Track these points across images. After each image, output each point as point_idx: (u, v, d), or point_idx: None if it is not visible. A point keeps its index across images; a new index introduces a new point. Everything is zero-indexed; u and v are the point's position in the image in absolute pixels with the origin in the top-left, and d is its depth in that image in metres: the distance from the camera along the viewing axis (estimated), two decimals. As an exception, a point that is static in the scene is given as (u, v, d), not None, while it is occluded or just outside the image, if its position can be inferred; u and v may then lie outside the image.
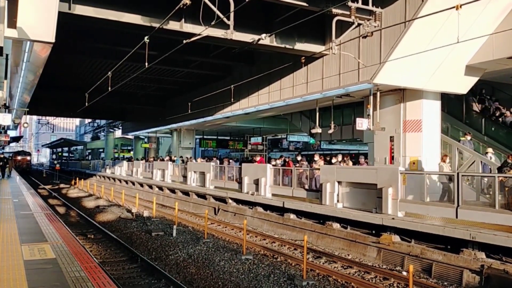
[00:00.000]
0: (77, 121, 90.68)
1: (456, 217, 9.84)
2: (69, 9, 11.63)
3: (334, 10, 12.08)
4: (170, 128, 33.31)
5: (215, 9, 10.87)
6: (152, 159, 33.30)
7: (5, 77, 13.22)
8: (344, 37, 12.50)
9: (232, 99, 19.66)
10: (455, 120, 16.48)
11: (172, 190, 23.80)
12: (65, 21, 11.71)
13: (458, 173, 10.14)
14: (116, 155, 52.26)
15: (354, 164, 15.50)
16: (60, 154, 74.20)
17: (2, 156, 31.58)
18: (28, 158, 58.91)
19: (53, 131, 79.68)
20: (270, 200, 15.60)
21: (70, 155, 73.89)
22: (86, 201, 24.96)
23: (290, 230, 13.98)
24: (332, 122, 16.57)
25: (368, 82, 13.33)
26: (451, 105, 16.52)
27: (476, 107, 16.10)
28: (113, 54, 19.14)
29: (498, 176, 9.69)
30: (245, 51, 17.84)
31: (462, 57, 13.27)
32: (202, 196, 20.37)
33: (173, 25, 13.12)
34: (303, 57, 13.64)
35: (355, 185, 12.91)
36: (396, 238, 10.66)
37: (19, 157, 56.20)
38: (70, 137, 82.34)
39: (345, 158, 15.41)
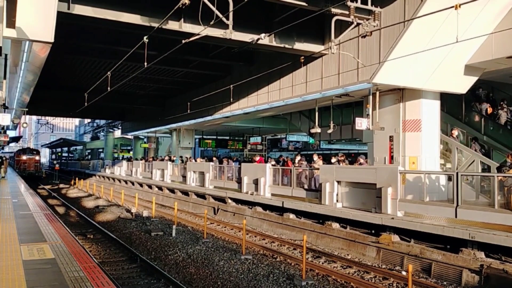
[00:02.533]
0: (76, 121, 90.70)
1: (456, 216, 9.84)
2: (68, 9, 11.59)
3: (333, 10, 12.08)
4: (169, 128, 33.29)
5: (214, 8, 10.86)
6: (151, 159, 33.30)
7: (4, 77, 13.21)
8: (343, 36, 12.50)
9: (231, 99, 19.65)
10: (455, 120, 16.48)
11: (172, 190, 23.79)
12: (64, 21, 11.71)
13: (457, 173, 10.15)
14: (116, 155, 52.24)
15: (351, 163, 15.51)
16: (59, 154, 74.21)
17: None
18: (37, 158, 44.18)
19: (52, 131, 79.75)
20: (269, 200, 15.60)
21: (70, 155, 73.83)
22: (86, 201, 24.96)
23: (289, 230, 13.98)
24: (332, 122, 16.55)
25: (367, 81, 13.32)
26: (451, 104, 16.53)
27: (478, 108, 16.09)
28: (112, 54, 19.12)
29: (497, 176, 9.69)
30: (244, 51, 17.83)
31: (461, 57, 13.27)
32: (202, 196, 20.37)
33: (172, 25, 13.11)
34: (302, 57, 13.64)
35: (354, 184, 12.91)
36: (395, 237, 10.66)
37: (24, 157, 42.81)
38: (70, 137, 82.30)
39: (339, 158, 15.37)
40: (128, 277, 9.58)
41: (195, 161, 25.72)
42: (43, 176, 44.89)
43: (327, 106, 18.32)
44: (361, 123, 14.35)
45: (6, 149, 73.76)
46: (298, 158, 17.10)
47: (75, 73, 25.39)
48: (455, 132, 14.66)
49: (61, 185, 38.74)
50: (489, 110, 15.64)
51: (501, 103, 15.47)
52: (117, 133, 53.25)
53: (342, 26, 12.52)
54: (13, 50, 11.59)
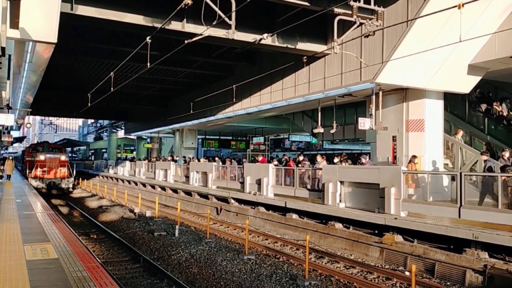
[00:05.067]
0: (80, 121, 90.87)
1: (459, 216, 9.81)
2: (71, 9, 11.65)
3: (336, 10, 12.07)
4: (172, 128, 33.36)
5: (216, 9, 10.88)
6: (154, 159, 33.35)
7: (8, 78, 13.26)
8: (346, 36, 12.49)
9: (234, 99, 19.67)
10: (458, 120, 16.44)
11: (175, 190, 23.82)
12: (67, 21, 11.74)
13: (461, 173, 10.11)
14: (119, 155, 52.36)
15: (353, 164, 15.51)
16: (63, 154, 74.30)
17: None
18: (64, 158, 28.39)
19: (56, 132, 79.89)
20: (272, 200, 15.59)
21: (73, 155, 74.01)
22: (89, 201, 25.01)
23: (292, 230, 13.97)
24: (334, 122, 16.54)
25: (370, 81, 13.31)
26: (454, 104, 16.49)
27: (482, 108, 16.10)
28: (115, 55, 19.18)
29: (501, 176, 9.65)
30: (247, 51, 17.84)
31: (464, 56, 13.23)
32: (205, 196, 20.39)
33: (175, 25, 13.13)
34: (305, 57, 13.64)
35: (357, 185, 12.88)
36: (398, 238, 10.63)
37: (41, 157, 26.99)
38: (73, 138, 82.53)
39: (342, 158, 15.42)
40: (131, 277, 9.59)
41: (198, 161, 25.75)
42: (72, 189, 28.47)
43: (330, 106, 18.30)
44: (364, 123, 14.33)
45: (10, 149, 73.96)
46: (301, 158, 17.09)
47: (78, 74, 25.49)
48: (506, 154, 13.83)
49: (65, 185, 38.75)
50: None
51: (477, 89, 15.55)
52: (120, 133, 53.41)
53: (345, 26, 12.51)
54: (16, 51, 11.63)
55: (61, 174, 27.05)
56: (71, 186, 27.72)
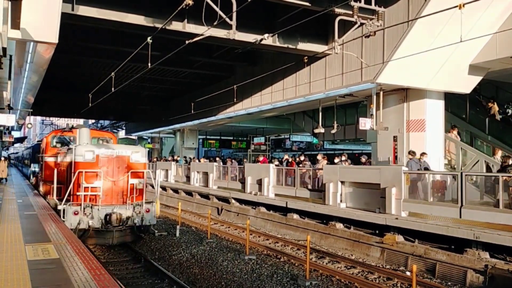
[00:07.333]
0: (81, 121, 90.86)
1: (460, 217, 9.81)
2: (72, 10, 11.67)
3: (337, 10, 12.07)
4: (173, 128, 33.37)
5: (217, 9, 10.88)
6: (155, 159, 33.36)
7: (9, 78, 13.26)
8: (346, 36, 12.49)
9: (235, 99, 19.68)
10: (459, 120, 16.43)
11: (175, 190, 23.83)
12: (68, 22, 11.76)
13: (461, 173, 10.11)
14: (120, 156, 52.29)
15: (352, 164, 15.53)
16: (64, 154, 74.08)
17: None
18: (137, 156, 11.58)
19: (57, 132, 79.79)
20: (273, 200, 15.60)
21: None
22: (90, 201, 24.92)
23: (293, 230, 13.97)
24: (335, 122, 16.54)
25: (371, 81, 13.31)
26: (455, 104, 16.48)
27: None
28: (116, 55, 19.19)
29: (502, 176, 9.64)
30: (247, 51, 17.86)
31: (465, 56, 13.22)
32: (205, 196, 20.40)
33: (176, 26, 13.15)
34: (306, 57, 13.64)
35: (358, 185, 12.89)
36: (399, 238, 10.63)
37: (89, 155, 10.97)
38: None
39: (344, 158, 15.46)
40: (132, 277, 9.58)
41: (199, 161, 25.76)
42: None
43: (330, 106, 18.30)
44: (365, 123, 14.33)
45: (12, 150, 73.98)
46: (302, 158, 17.09)
47: (79, 74, 25.52)
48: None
49: (66, 186, 38.64)
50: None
51: None
52: (121, 133, 53.39)
53: (345, 26, 12.51)
54: (17, 51, 11.64)
55: (135, 195, 11.68)
56: (154, 221, 12.18)
